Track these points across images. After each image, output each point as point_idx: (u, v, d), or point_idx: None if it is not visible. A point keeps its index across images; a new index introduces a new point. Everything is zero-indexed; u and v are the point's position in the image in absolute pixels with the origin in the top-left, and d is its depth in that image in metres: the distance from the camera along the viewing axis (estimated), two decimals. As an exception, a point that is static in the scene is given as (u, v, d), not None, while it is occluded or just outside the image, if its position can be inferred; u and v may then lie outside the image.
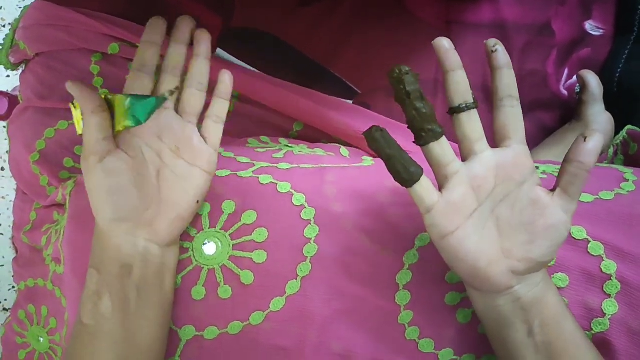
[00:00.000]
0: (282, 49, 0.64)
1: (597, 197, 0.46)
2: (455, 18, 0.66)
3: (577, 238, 0.43)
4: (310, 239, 0.45)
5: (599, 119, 0.62)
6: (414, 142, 0.37)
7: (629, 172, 0.50)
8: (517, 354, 0.39)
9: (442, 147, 0.36)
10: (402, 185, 0.36)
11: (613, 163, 0.61)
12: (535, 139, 0.67)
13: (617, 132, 0.63)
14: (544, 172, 0.51)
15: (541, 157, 0.63)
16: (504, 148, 0.37)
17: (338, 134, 0.60)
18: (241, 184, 0.47)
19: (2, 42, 0.67)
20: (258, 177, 0.47)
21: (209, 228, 0.45)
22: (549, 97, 0.66)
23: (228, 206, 0.46)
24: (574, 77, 0.67)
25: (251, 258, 0.44)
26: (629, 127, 0.60)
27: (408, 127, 0.36)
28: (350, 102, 0.64)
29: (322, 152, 0.56)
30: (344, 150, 0.58)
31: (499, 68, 0.36)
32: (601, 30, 0.67)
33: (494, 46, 0.36)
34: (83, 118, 0.40)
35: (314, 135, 0.62)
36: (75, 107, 0.42)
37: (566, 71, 0.67)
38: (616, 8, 0.67)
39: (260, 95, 0.60)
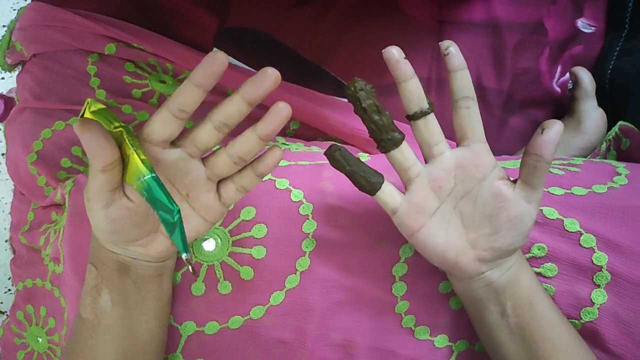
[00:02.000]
0: (278, 49, 0.65)
1: (590, 190, 0.47)
2: (448, 17, 0.67)
3: (569, 230, 0.44)
4: (309, 234, 0.45)
5: (591, 115, 0.63)
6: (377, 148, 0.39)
7: (621, 167, 0.50)
8: (493, 334, 0.42)
9: (403, 153, 0.38)
10: (368, 194, 0.39)
11: (606, 158, 0.61)
12: (528, 135, 0.67)
13: (609, 128, 0.63)
14: None
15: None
16: (463, 148, 0.38)
17: (334, 132, 0.61)
18: None
19: (-2, 43, 0.67)
20: None
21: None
22: (542, 94, 0.67)
23: None
24: (567, 74, 0.68)
25: (250, 254, 0.45)
26: (621, 122, 0.60)
27: (370, 137, 0.39)
28: (345, 100, 0.65)
29: (318, 149, 0.56)
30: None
31: (452, 71, 0.37)
32: (593, 28, 0.68)
33: (446, 49, 0.37)
34: (90, 171, 0.35)
35: (310, 133, 0.63)
36: (89, 106, 0.37)
37: (559, 68, 0.68)
38: (607, 5, 0.68)
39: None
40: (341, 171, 0.39)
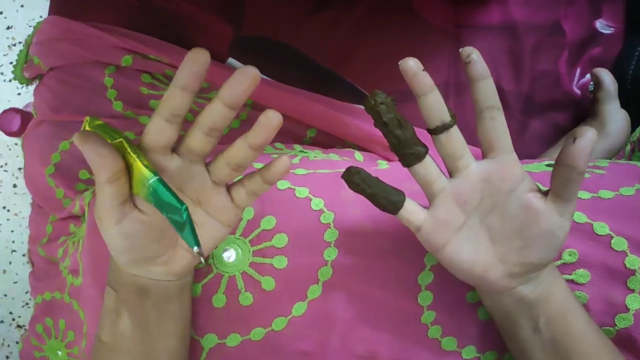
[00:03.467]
0: (293, 56, 0.65)
1: (618, 193, 0.46)
2: (465, 21, 0.66)
3: (599, 234, 0.43)
4: (330, 242, 0.45)
5: (615, 117, 0.62)
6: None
7: (647, 168, 0.49)
8: (525, 349, 0.40)
9: (426, 167, 0.37)
10: (390, 214, 0.38)
11: (631, 159, 0.60)
12: (550, 139, 0.66)
13: (633, 129, 0.62)
14: None
15: (556, 155, 0.63)
16: (489, 160, 0.36)
17: (351, 138, 0.60)
18: None
19: (15, 58, 0.68)
20: (276, 183, 0.47)
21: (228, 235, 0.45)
22: (562, 96, 0.66)
23: (247, 212, 0.46)
24: (587, 76, 0.67)
25: (272, 264, 0.44)
26: (645, 123, 0.59)
27: (391, 150, 0.37)
28: (362, 107, 0.64)
29: (336, 157, 0.56)
30: (358, 155, 0.58)
31: (475, 80, 0.35)
32: (612, 29, 0.67)
33: (468, 56, 0.34)
34: (96, 185, 0.34)
35: (328, 141, 0.63)
36: (87, 123, 0.37)
37: (578, 70, 0.67)
38: (625, 6, 0.67)
39: (273, 103, 0.61)
40: (362, 194, 0.37)
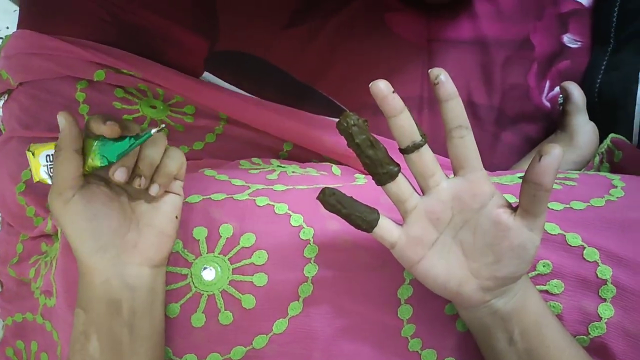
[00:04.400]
0: (268, 71, 0.65)
1: (589, 204, 0.47)
2: (436, 36, 0.67)
3: (572, 245, 0.44)
4: (310, 258, 0.45)
5: (583, 128, 0.63)
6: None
7: (616, 179, 0.51)
8: None
9: (399, 186, 0.38)
10: (365, 232, 0.39)
11: (599, 171, 0.62)
12: (522, 150, 0.68)
13: (600, 140, 0.64)
14: None
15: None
16: (459, 177, 0.37)
17: (328, 153, 0.60)
18: (238, 207, 0.47)
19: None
20: (255, 200, 0.47)
21: (207, 253, 0.45)
22: (532, 109, 0.68)
23: (225, 230, 0.45)
24: (556, 89, 0.68)
25: (252, 281, 0.44)
26: (612, 135, 0.61)
27: (365, 170, 0.38)
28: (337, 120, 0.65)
29: (314, 172, 0.56)
30: (335, 169, 0.58)
31: (444, 100, 0.35)
32: (579, 43, 0.69)
33: (436, 78, 0.35)
34: (60, 155, 0.39)
35: (304, 155, 0.63)
36: (34, 155, 0.41)
37: (547, 83, 0.68)
38: (592, 21, 0.69)
39: (248, 118, 0.60)
40: (337, 214, 0.38)
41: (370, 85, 0.35)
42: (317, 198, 0.38)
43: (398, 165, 0.38)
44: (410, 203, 0.38)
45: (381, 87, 0.35)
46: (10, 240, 0.62)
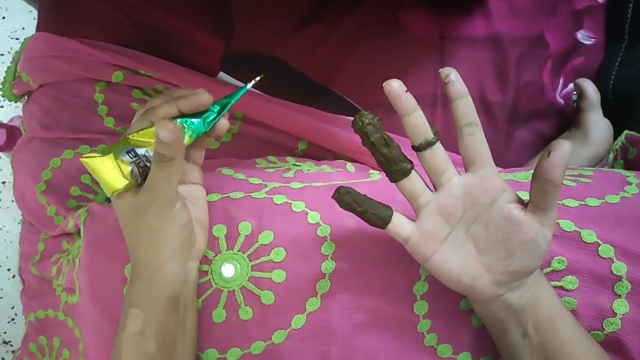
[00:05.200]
0: (283, 70, 0.65)
1: (604, 201, 0.47)
2: (449, 33, 0.67)
3: (587, 242, 0.44)
4: (328, 255, 0.45)
5: (598, 125, 0.63)
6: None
7: (631, 176, 0.51)
8: (516, 355, 0.41)
9: (412, 183, 0.39)
10: (380, 228, 0.40)
11: (614, 167, 0.62)
12: (535, 148, 0.68)
13: (615, 137, 0.64)
14: None
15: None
16: (471, 173, 0.38)
17: (343, 150, 0.61)
18: (256, 205, 0.48)
19: (2, 74, 0.67)
20: (272, 198, 0.48)
21: (226, 250, 0.46)
22: (546, 106, 0.68)
23: (244, 228, 0.46)
24: (569, 86, 0.68)
25: (270, 278, 0.45)
26: (627, 132, 0.61)
27: (379, 167, 0.40)
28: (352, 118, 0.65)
29: (329, 168, 0.56)
30: (350, 167, 0.59)
31: (454, 99, 0.37)
32: (593, 39, 0.69)
33: (446, 77, 0.36)
34: (174, 164, 0.37)
35: (319, 153, 0.63)
36: (101, 161, 0.38)
37: (561, 80, 0.68)
38: (606, 17, 0.69)
39: (264, 116, 0.61)
40: (352, 212, 0.40)
41: (384, 84, 0.36)
42: (333, 197, 0.40)
43: (411, 162, 0.39)
44: (423, 199, 0.39)
45: (394, 87, 0.36)
46: (32, 239, 0.63)
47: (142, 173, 0.40)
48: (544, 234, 0.37)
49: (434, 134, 0.38)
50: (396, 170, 0.38)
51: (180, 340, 0.42)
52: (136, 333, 0.40)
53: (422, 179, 0.40)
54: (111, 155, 0.38)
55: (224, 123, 0.43)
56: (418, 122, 0.37)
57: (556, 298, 0.41)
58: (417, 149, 0.38)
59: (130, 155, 0.39)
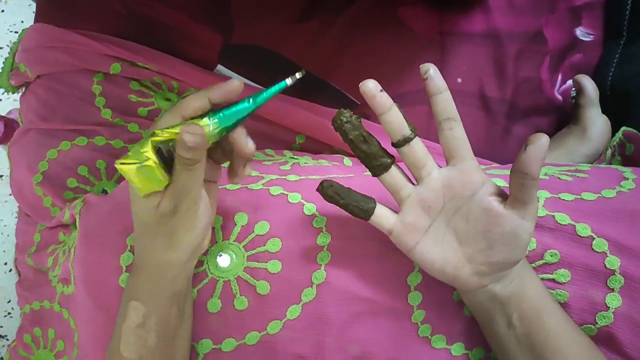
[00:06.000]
0: (282, 64, 0.65)
1: (600, 195, 0.47)
2: (448, 29, 0.67)
3: (581, 235, 0.45)
4: (323, 246, 0.45)
5: (596, 122, 0.63)
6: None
7: (628, 171, 0.51)
8: (502, 345, 0.42)
9: (392, 177, 0.40)
10: (364, 220, 0.42)
11: (611, 164, 0.62)
12: (533, 144, 0.68)
13: (613, 134, 0.64)
14: (545, 174, 0.52)
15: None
16: (450, 167, 0.39)
17: (340, 144, 0.61)
18: (252, 196, 0.47)
19: (1, 65, 0.67)
20: (269, 189, 0.48)
21: (222, 240, 0.46)
22: (545, 102, 0.68)
23: (240, 218, 0.46)
24: (568, 82, 0.68)
25: (266, 268, 0.45)
26: (624, 128, 0.61)
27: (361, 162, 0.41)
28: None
29: (326, 162, 0.56)
30: (347, 161, 0.59)
31: (433, 94, 0.38)
32: (591, 36, 0.69)
33: (425, 73, 0.37)
34: (199, 167, 0.36)
35: (317, 147, 0.63)
36: (131, 163, 0.35)
37: (559, 77, 0.68)
38: (604, 14, 0.69)
39: (262, 110, 0.61)
40: (336, 204, 0.41)
41: (360, 85, 0.37)
42: (317, 190, 0.41)
43: (392, 157, 0.40)
44: (404, 192, 0.40)
45: (370, 87, 0.37)
46: (28, 230, 0.63)
47: (168, 171, 0.38)
48: (524, 227, 0.38)
49: (411, 130, 0.39)
50: (376, 166, 0.40)
51: (179, 331, 0.42)
52: (137, 325, 0.41)
53: (404, 173, 0.41)
54: (150, 161, 0.36)
55: (251, 145, 0.41)
56: (394, 120, 0.38)
57: (543, 290, 0.42)
58: (395, 145, 0.39)
59: (160, 153, 0.37)
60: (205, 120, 0.38)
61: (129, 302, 0.41)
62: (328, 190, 0.41)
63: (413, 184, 0.41)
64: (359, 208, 0.41)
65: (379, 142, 0.40)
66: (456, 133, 0.38)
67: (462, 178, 0.39)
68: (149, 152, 0.36)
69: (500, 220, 0.38)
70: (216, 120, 0.38)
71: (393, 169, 0.40)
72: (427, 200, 0.40)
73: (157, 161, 0.36)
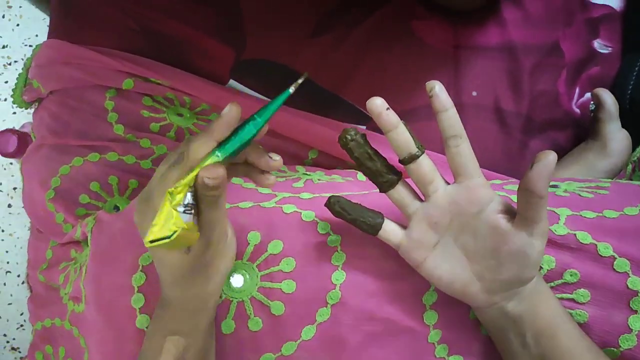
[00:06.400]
0: (294, 79, 0.65)
1: (622, 213, 0.46)
2: (463, 43, 0.67)
3: (603, 255, 0.44)
4: (338, 266, 0.45)
5: (616, 137, 0.62)
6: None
7: (650, 188, 0.50)
8: None
9: (399, 193, 0.40)
10: (372, 235, 0.42)
11: (632, 179, 0.61)
12: (551, 158, 0.67)
13: (633, 148, 0.63)
14: (565, 191, 0.51)
15: (559, 175, 0.63)
16: (457, 184, 0.39)
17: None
18: (265, 215, 0.47)
19: (15, 80, 0.67)
20: (282, 207, 0.47)
21: (235, 260, 0.45)
22: (562, 116, 0.67)
23: (253, 237, 0.45)
24: (586, 95, 0.67)
25: (280, 288, 0.44)
26: (645, 143, 0.60)
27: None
28: (364, 127, 0.65)
29: (340, 178, 0.56)
30: (360, 176, 0.58)
31: (439, 111, 0.37)
32: (609, 48, 0.68)
33: (430, 90, 0.37)
34: (210, 209, 0.35)
35: (330, 162, 0.63)
36: (161, 239, 0.33)
37: (577, 90, 0.67)
38: (622, 25, 0.68)
39: (273, 124, 0.60)
40: (344, 220, 0.41)
41: (367, 102, 0.37)
42: (325, 205, 0.42)
43: (399, 174, 0.40)
44: (411, 208, 0.40)
45: (377, 104, 0.37)
46: (40, 246, 0.63)
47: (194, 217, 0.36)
48: (532, 245, 0.37)
49: (418, 147, 0.38)
50: (382, 182, 0.40)
51: (210, 354, 0.43)
52: (177, 359, 0.40)
53: (412, 189, 0.41)
54: (179, 230, 0.33)
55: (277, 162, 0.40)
56: (400, 137, 0.38)
57: (558, 309, 0.41)
58: (402, 162, 0.39)
59: (185, 210, 0.34)
60: (214, 157, 0.35)
61: (166, 337, 0.40)
62: (335, 206, 0.41)
63: (422, 199, 0.41)
64: (366, 223, 0.41)
65: (385, 159, 0.40)
66: (462, 150, 0.38)
67: (468, 195, 0.39)
68: (176, 221, 0.33)
69: (508, 238, 0.38)
70: (224, 153, 0.36)
71: (400, 185, 0.40)
72: (434, 216, 0.40)
73: (185, 225, 0.33)
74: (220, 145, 0.36)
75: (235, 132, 0.36)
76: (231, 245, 0.41)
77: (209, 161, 0.35)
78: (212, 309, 0.41)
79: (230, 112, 0.36)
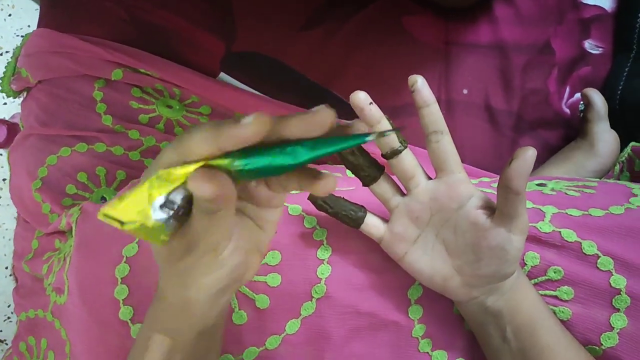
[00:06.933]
0: (284, 72, 0.65)
1: (608, 211, 0.46)
2: (455, 39, 0.67)
3: (587, 253, 0.44)
4: (324, 260, 0.44)
5: (604, 137, 0.62)
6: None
7: (637, 188, 0.50)
8: (497, 358, 0.42)
9: (381, 187, 0.41)
10: (355, 228, 0.42)
11: (619, 180, 0.61)
12: (540, 157, 0.67)
13: (621, 149, 0.63)
14: (552, 189, 0.51)
15: (546, 173, 0.63)
16: (438, 179, 0.39)
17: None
18: None
19: (3, 69, 0.67)
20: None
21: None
22: (552, 115, 0.67)
23: None
24: (576, 95, 0.67)
25: (265, 282, 0.44)
26: (633, 143, 0.60)
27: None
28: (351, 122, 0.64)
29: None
30: (350, 172, 0.58)
31: (420, 107, 0.38)
32: (600, 49, 0.68)
33: (412, 85, 0.37)
34: (227, 214, 0.28)
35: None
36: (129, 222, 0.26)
37: (567, 89, 0.67)
38: (614, 27, 0.68)
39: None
40: (326, 213, 0.42)
41: (350, 95, 0.37)
42: (308, 199, 0.42)
43: (381, 168, 0.40)
44: (393, 202, 0.41)
45: (361, 98, 0.37)
46: (26, 236, 0.63)
47: (180, 219, 0.29)
48: (510, 241, 0.37)
49: (400, 142, 0.39)
50: (364, 176, 0.40)
51: (209, 357, 0.39)
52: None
53: (395, 183, 0.41)
54: (133, 226, 0.27)
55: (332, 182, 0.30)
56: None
57: (539, 305, 0.41)
58: (385, 157, 0.39)
59: (163, 206, 0.28)
60: (228, 160, 0.26)
61: (152, 334, 0.36)
62: (317, 199, 0.42)
63: (405, 194, 0.41)
64: (348, 217, 0.42)
65: (369, 154, 0.40)
66: (443, 146, 0.38)
67: (448, 191, 0.39)
68: (141, 211, 0.27)
69: (487, 234, 0.38)
70: (245, 164, 0.26)
71: (382, 180, 0.40)
72: (415, 211, 0.40)
73: (149, 224, 0.27)
74: (243, 152, 0.26)
75: (266, 153, 0.26)
76: (225, 263, 0.32)
77: (219, 162, 0.26)
78: (201, 318, 0.34)
79: (248, 128, 0.24)
